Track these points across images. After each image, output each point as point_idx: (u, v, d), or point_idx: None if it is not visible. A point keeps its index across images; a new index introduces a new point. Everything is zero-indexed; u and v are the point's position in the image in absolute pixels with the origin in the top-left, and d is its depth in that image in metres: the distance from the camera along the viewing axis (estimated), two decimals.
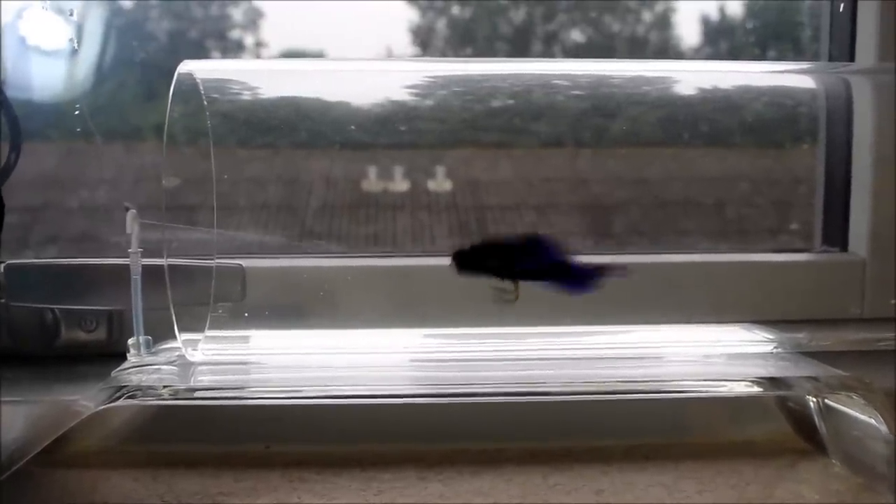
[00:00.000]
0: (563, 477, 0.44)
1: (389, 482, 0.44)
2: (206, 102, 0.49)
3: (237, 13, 0.71)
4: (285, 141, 0.59)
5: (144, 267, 0.47)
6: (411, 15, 0.71)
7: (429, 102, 0.55)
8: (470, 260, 0.46)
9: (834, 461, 0.46)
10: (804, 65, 0.66)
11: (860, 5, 0.61)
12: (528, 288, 0.47)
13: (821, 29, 0.65)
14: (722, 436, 0.49)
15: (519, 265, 0.46)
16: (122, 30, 0.65)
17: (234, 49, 0.71)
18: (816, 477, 0.44)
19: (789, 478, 0.45)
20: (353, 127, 0.56)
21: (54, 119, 0.61)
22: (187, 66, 0.48)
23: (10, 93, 0.55)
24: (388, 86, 0.55)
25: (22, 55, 0.58)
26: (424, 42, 0.72)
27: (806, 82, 0.60)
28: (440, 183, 0.62)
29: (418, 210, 0.62)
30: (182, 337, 0.46)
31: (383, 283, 0.56)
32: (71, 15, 0.58)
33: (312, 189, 0.62)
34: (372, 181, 0.62)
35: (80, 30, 0.60)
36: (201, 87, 0.49)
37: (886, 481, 0.42)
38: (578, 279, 0.46)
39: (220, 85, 0.51)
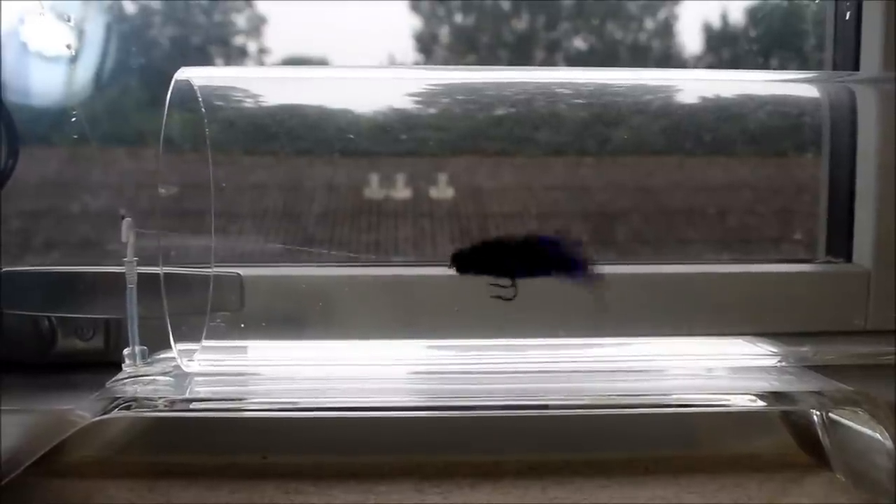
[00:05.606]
0: (562, 490, 0.44)
1: (386, 494, 0.43)
2: (203, 109, 0.48)
3: (241, 19, 0.71)
4: (287, 148, 0.59)
5: (142, 275, 0.47)
6: (414, 22, 0.71)
7: (431, 110, 0.55)
8: (469, 260, 0.47)
9: (838, 475, 0.46)
10: (808, 74, 0.65)
11: (865, 13, 0.60)
12: (530, 299, 0.47)
13: (825, 37, 0.65)
14: (725, 449, 0.49)
15: (517, 264, 0.47)
16: (125, 36, 0.65)
17: (237, 55, 0.71)
18: (820, 491, 0.44)
19: (793, 492, 0.44)
20: (354, 135, 0.56)
21: (57, 124, 0.61)
22: (185, 73, 0.47)
23: (12, 98, 0.55)
24: (390, 93, 0.55)
25: (24, 60, 0.58)
26: (427, 49, 0.71)
27: (810, 91, 0.60)
28: (442, 190, 0.62)
29: (420, 218, 0.62)
30: (178, 347, 0.46)
31: (383, 293, 0.56)
32: (68, 20, 0.58)
33: (315, 196, 0.62)
34: (374, 189, 0.61)
35: (80, 35, 0.60)
36: (199, 94, 0.48)
37: (891, 496, 0.41)
38: (575, 269, 0.47)
39: (224, 92, 0.51)
